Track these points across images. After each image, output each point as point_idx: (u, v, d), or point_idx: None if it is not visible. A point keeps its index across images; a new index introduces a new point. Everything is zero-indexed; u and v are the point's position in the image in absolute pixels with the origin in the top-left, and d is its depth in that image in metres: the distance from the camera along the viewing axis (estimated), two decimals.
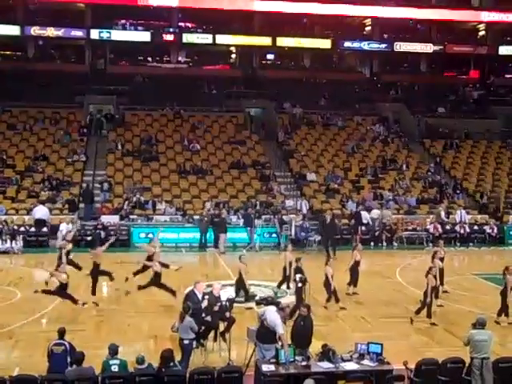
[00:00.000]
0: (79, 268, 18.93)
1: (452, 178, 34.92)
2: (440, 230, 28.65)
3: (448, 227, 29.32)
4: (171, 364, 10.64)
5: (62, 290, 15.93)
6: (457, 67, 48.44)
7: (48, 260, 23.49)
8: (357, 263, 18.19)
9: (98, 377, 10.37)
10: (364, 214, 28.75)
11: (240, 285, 17.08)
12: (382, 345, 11.22)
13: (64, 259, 18.05)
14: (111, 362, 10.51)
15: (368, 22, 44.93)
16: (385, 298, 18.12)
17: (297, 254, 24.85)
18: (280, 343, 11.27)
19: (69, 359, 10.85)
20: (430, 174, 34.54)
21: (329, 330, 14.64)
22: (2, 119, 35.37)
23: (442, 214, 29.64)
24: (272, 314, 11.45)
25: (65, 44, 42.78)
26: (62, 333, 11.34)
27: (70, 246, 19.42)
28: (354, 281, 18.28)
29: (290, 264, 17.83)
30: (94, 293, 17.26)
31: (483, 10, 44.86)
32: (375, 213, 29.29)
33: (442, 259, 18.27)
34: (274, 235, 27.70)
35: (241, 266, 17.16)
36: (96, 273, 17.55)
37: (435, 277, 15.89)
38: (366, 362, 11.07)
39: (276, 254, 25.72)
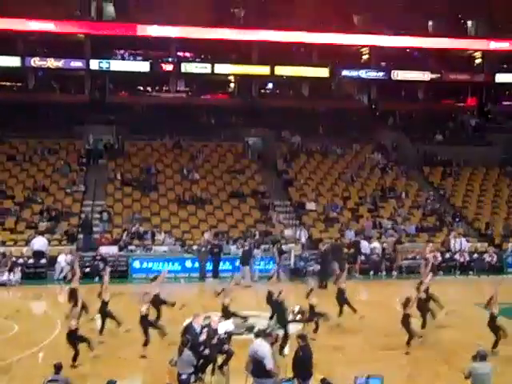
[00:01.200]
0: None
1: (451, 205, 34.94)
2: (439, 258, 28.52)
3: (448, 255, 29.22)
4: None
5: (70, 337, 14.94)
6: (454, 95, 48.71)
7: (46, 292, 23.47)
8: (341, 291, 18.14)
9: None
10: (363, 243, 28.70)
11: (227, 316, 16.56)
12: (382, 378, 11.10)
13: (79, 301, 16.91)
14: None
15: (365, 50, 45.29)
16: (385, 329, 17.96)
17: (296, 283, 24.94)
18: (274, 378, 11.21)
19: None
20: (428, 201, 34.53)
21: (327, 362, 14.50)
22: (2, 150, 35.39)
23: (452, 242, 29.59)
24: (262, 347, 11.39)
25: (65, 74, 42.99)
26: (58, 368, 11.25)
27: (76, 283, 18.58)
28: (340, 310, 18.38)
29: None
30: (101, 332, 16.90)
31: (479, 38, 45.31)
32: (375, 242, 29.22)
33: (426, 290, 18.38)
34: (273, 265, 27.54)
35: (224, 301, 16.87)
36: (105, 311, 17.09)
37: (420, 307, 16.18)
38: None
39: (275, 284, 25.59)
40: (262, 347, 11.33)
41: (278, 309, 16.74)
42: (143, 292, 16.98)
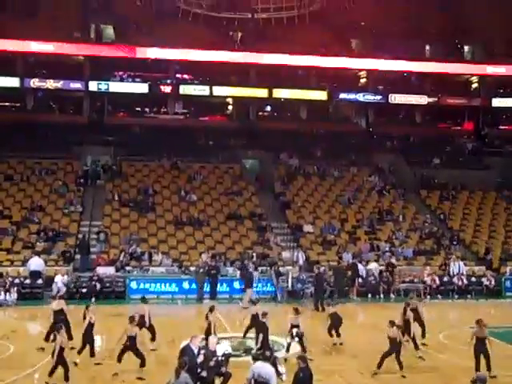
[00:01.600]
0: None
1: (449, 228, 34.95)
2: (437, 281, 28.52)
3: (446, 279, 29.17)
4: None
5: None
6: (451, 119, 49.05)
7: (42, 312, 23.25)
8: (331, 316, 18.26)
9: None
10: (360, 265, 28.65)
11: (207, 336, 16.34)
12: None
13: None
14: None
15: (363, 74, 45.66)
16: (382, 352, 17.82)
17: (293, 305, 24.81)
18: None
19: None
20: (426, 225, 34.54)
21: None
22: (0, 170, 35.44)
23: (452, 265, 29.56)
24: (266, 369, 11.36)
25: (64, 95, 43.20)
26: None
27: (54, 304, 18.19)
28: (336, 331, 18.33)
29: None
30: (92, 354, 16.47)
31: (476, 63, 45.73)
32: (373, 265, 29.20)
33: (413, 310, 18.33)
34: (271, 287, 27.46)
35: (213, 320, 16.93)
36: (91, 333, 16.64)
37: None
38: None
39: (272, 305, 25.51)
40: (266, 368, 11.33)
41: (261, 330, 16.66)
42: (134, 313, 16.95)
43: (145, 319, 17.60)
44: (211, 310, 17.39)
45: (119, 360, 15.26)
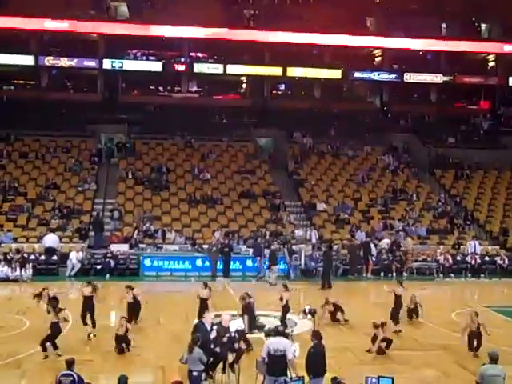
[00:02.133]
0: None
1: (463, 208, 34.80)
2: (451, 260, 28.48)
3: (459, 258, 29.12)
4: None
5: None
6: (467, 98, 48.56)
7: (57, 288, 23.57)
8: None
9: None
10: (372, 245, 28.65)
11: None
12: (392, 379, 11.04)
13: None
14: None
15: (378, 52, 45.27)
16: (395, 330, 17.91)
17: (306, 284, 24.98)
18: (289, 374, 11.24)
19: None
20: (440, 204, 34.41)
21: (338, 362, 14.48)
22: (15, 148, 35.68)
23: (468, 245, 29.51)
24: (280, 341, 11.46)
25: (78, 74, 43.26)
26: (70, 363, 11.28)
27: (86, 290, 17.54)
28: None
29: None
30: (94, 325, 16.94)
31: (493, 41, 45.16)
32: (385, 242, 29.20)
33: (398, 296, 18.49)
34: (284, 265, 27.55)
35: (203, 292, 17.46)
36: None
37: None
38: None
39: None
40: (281, 342, 11.50)
41: (248, 312, 16.86)
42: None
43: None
44: (205, 285, 17.91)
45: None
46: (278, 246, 27.47)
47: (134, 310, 17.60)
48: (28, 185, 32.30)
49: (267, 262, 26.58)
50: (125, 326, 15.20)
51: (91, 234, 29.24)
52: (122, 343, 15.14)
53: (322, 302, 18.84)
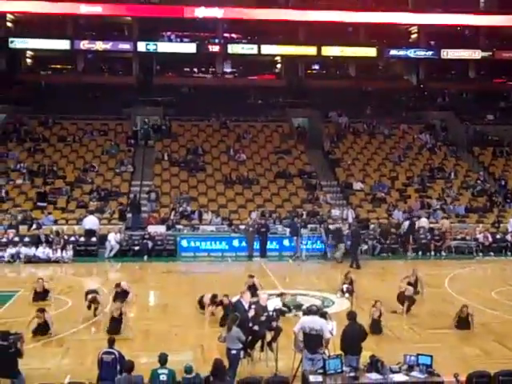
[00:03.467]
0: None
1: (502, 186, 34.20)
2: (490, 239, 28.10)
3: (498, 236, 28.72)
4: (223, 375, 10.64)
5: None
6: (506, 73, 47.50)
7: (97, 269, 24.00)
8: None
9: None
10: (405, 223, 28.42)
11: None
12: (431, 356, 11.02)
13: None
14: (160, 372, 10.56)
15: (414, 29, 44.56)
16: (434, 309, 17.80)
17: (344, 262, 24.90)
18: (327, 352, 11.28)
19: (118, 367, 10.98)
20: (478, 182, 33.91)
21: (377, 340, 14.47)
22: (53, 131, 36.20)
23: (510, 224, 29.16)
24: (316, 320, 11.48)
25: (113, 57, 43.60)
26: (111, 342, 11.49)
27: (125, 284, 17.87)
28: None
29: None
30: None
31: None
32: (424, 221, 28.93)
33: (410, 284, 18.14)
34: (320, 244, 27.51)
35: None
36: None
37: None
38: (415, 373, 10.88)
39: (322, 263, 25.67)
40: (317, 321, 11.51)
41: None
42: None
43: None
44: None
45: None
46: (340, 226, 27.34)
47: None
48: (66, 168, 32.75)
49: (303, 242, 26.63)
50: (119, 310, 15.18)
51: (128, 215, 29.53)
52: (116, 325, 15.01)
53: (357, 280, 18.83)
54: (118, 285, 17.47)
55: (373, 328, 14.73)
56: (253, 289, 16.69)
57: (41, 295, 18.00)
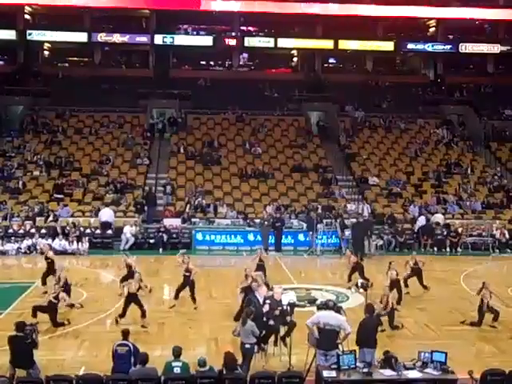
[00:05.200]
0: None
1: None
2: (507, 235, 27.89)
3: None
4: (234, 367, 10.68)
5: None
6: None
7: (113, 262, 24.10)
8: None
9: (161, 378, 10.50)
10: (420, 218, 28.32)
11: None
12: (446, 353, 10.98)
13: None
14: (174, 364, 10.63)
15: (432, 23, 44.18)
16: (449, 305, 17.75)
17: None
18: (341, 348, 11.27)
19: (132, 360, 11.05)
20: (496, 178, 33.64)
21: (391, 336, 14.44)
22: (70, 124, 36.35)
23: None
24: (333, 315, 11.47)
25: (129, 49, 43.68)
26: (126, 334, 11.56)
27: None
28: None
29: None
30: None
31: None
32: (439, 217, 28.76)
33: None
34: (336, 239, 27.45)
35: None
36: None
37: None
38: (429, 370, 10.85)
39: (337, 257, 25.62)
40: (334, 316, 11.47)
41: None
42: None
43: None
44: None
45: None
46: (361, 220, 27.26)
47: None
48: (82, 160, 32.90)
49: (319, 236, 26.59)
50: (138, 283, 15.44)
51: (144, 208, 29.60)
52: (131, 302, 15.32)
53: (371, 274, 18.78)
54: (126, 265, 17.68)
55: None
56: (249, 290, 16.67)
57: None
